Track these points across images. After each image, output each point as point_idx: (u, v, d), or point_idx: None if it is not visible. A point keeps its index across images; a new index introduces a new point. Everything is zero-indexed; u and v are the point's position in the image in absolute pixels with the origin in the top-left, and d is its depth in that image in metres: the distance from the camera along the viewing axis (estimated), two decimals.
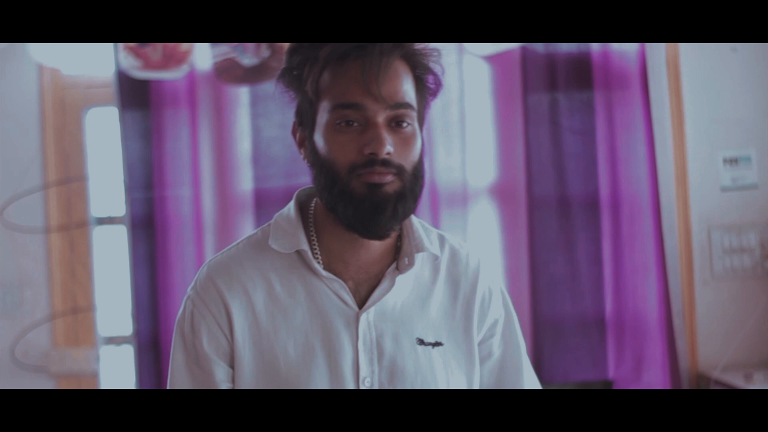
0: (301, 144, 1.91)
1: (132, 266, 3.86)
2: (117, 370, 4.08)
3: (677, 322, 3.89)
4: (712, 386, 3.81)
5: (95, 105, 4.03)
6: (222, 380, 1.84)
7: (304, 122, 1.89)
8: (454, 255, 2.04)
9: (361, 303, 1.91)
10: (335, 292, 1.88)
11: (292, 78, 1.88)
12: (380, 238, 1.86)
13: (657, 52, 3.88)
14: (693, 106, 3.97)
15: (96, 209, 4.06)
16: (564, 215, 3.91)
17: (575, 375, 3.92)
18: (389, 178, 1.81)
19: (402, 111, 1.82)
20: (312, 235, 1.92)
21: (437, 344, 1.94)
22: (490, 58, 3.90)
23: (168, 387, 1.90)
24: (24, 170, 3.97)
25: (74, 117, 4.01)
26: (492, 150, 3.93)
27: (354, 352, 1.87)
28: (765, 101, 3.98)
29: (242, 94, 3.88)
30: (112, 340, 4.10)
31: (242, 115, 3.88)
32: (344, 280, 1.90)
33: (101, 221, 4.08)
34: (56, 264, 4.00)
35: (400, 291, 1.93)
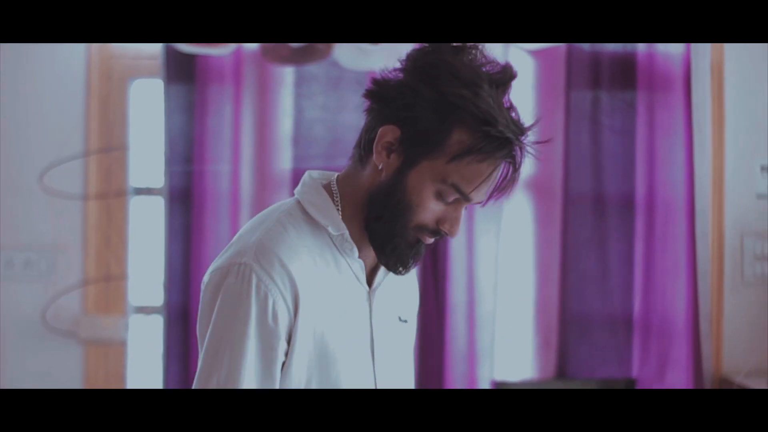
0: (386, 149, 1.87)
1: (167, 238, 3.90)
2: (145, 340, 4.12)
3: (704, 325, 3.92)
4: None
5: (141, 76, 4.06)
6: (280, 356, 1.84)
7: (411, 147, 1.85)
8: None
9: (367, 282, 1.98)
10: (354, 271, 1.94)
11: (419, 103, 1.83)
12: (401, 274, 1.96)
13: (702, 55, 3.90)
14: (734, 112, 3.99)
15: (135, 179, 4.09)
16: (598, 213, 3.94)
17: (599, 372, 3.95)
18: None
19: None
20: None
21: (405, 321, 2.07)
22: (536, 53, 3.92)
23: (207, 360, 1.83)
24: (67, 136, 4.00)
25: (120, 87, 4.04)
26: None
27: (370, 329, 1.96)
28: None
29: (287, 74, 3.91)
30: (142, 310, 4.14)
31: (285, 95, 3.91)
32: None
33: (139, 192, 4.12)
34: (92, 231, 4.04)
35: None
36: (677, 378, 3.91)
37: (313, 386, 1.85)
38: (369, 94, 1.90)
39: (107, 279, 4.05)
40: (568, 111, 3.92)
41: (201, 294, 1.91)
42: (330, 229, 1.90)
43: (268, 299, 1.81)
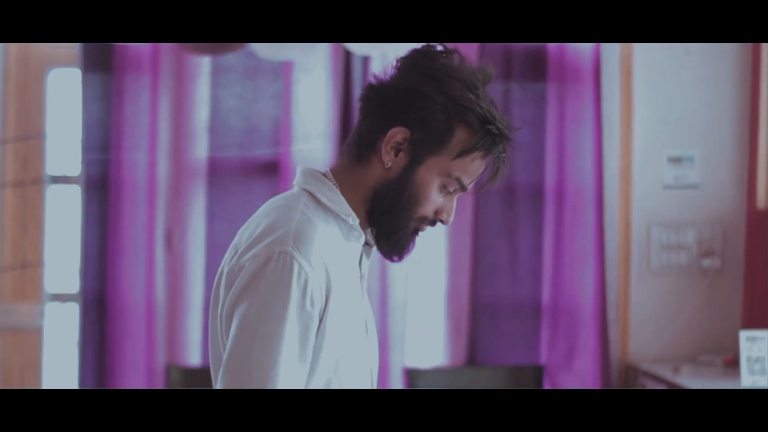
0: (394, 149, 1.97)
1: (83, 226, 3.91)
2: (61, 327, 4.14)
3: (611, 313, 4.01)
4: (641, 377, 3.93)
5: (58, 65, 4.09)
6: (312, 338, 1.90)
7: (419, 146, 1.96)
8: None
9: None
10: (356, 258, 2.04)
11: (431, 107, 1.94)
12: (396, 262, 2.07)
13: (611, 49, 3.99)
14: (642, 104, 4.07)
15: (52, 168, 4.11)
16: (509, 203, 4.00)
17: (509, 358, 4.02)
18: None
19: None
20: None
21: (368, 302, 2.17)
22: (447, 45, 3.98)
23: (243, 341, 1.86)
24: None
25: (37, 76, 4.07)
26: None
27: (363, 311, 2.06)
28: (713, 104, 4.09)
29: (204, 64, 3.95)
30: (58, 297, 4.15)
31: (202, 85, 3.95)
32: None
33: (56, 180, 4.14)
34: (8, 219, 4.05)
35: None
36: (584, 364, 3.99)
37: (341, 366, 1.93)
38: (368, 99, 1.99)
39: (23, 266, 4.06)
40: None
41: (231, 278, 1.91)
42: (350, 219, 2.00)
43: (308, 285, 1.88)
